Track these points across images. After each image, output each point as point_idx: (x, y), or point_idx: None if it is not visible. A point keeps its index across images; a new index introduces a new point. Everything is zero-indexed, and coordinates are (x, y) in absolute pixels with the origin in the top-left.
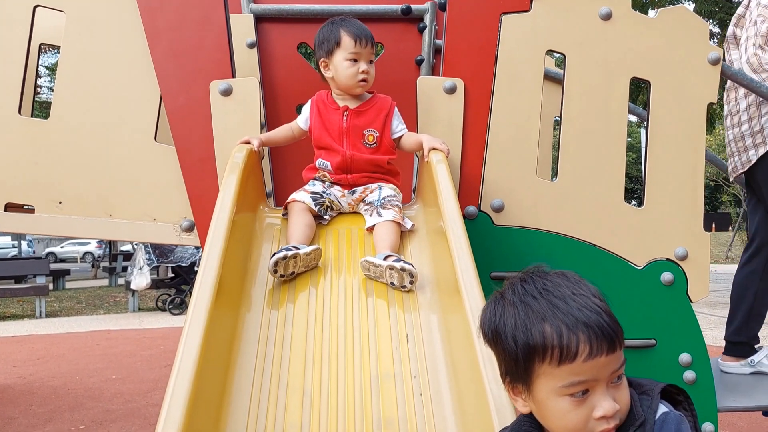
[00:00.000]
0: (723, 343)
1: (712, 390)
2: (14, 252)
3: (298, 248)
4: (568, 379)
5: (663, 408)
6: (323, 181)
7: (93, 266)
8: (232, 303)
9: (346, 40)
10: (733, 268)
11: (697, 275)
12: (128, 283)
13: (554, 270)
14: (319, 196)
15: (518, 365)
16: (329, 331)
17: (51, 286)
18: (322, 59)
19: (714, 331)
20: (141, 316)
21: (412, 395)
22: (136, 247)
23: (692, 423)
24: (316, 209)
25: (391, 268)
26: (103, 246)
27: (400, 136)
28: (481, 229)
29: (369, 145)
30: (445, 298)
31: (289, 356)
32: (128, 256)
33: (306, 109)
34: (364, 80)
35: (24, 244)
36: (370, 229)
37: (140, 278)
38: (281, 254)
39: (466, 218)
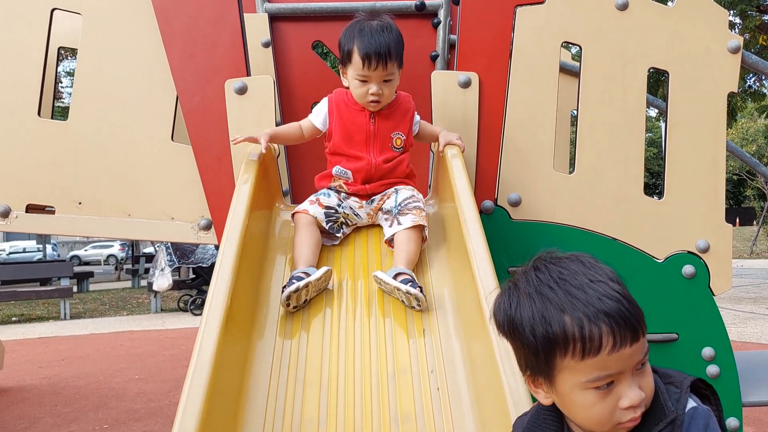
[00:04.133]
0: (748, 339)
1: (736, 384)
2: (39, 255)
3: (308, 273)
4: (594, 374)
5: (691, 402)
6: (339, 192)
7: (116, 269)
8: (248, 300)
9: (356, 60)
10: (759, 263)
11: (719, 268)
12: (150, 285)
13: (567, 254)
14: (333, 211)
15: (539, 359)
16: (346, 327)
17: (75, 289)
18: (339, 65)
19: (739, 327)
20: (163, 316)
21: (429, 390)
22: (157, 248)
23: (718, 418)
24: (327, 226)
25: (398, 289)
26: (126, 248)
27: (417, 129)
28: (498, 223)
29: (397, 149)
30: (461, 292)
31: (306, 351)
32: (151, 257)
33: (323, 108)
34: (374, 101)
35: (49, 247)
36: (389, 241)
37: (162, 279)
38: (293, 287)
39: (483, 213)
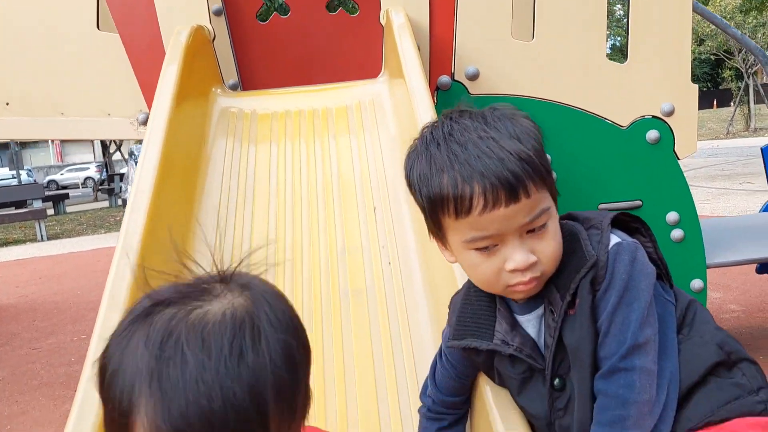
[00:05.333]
0: (721, 213)
1: (700, 247)
2: (14, 182)
3: None
4: (470, 234)
5: (615, 239)
6: None
7: (94, 190)
8: (182, 184)
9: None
10: (734, 142)
11: (684, 131)
12: (125, 201)
13: (482, 108)
14: None
15: (429, 219)
16: (293, 207)
17: (52, 211)
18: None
19: (712, 203)
20: None
21: (381, 265)
22: (128, 164)
23: (651, 248)
24: None
25: None
26: (102, 169)
27: None
28: (456, 99)
29: None
30: None
31: (250, 233)
32: None
33: None
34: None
35: (24, 173)
36: None
37: None
38: None
39: (440, 89)
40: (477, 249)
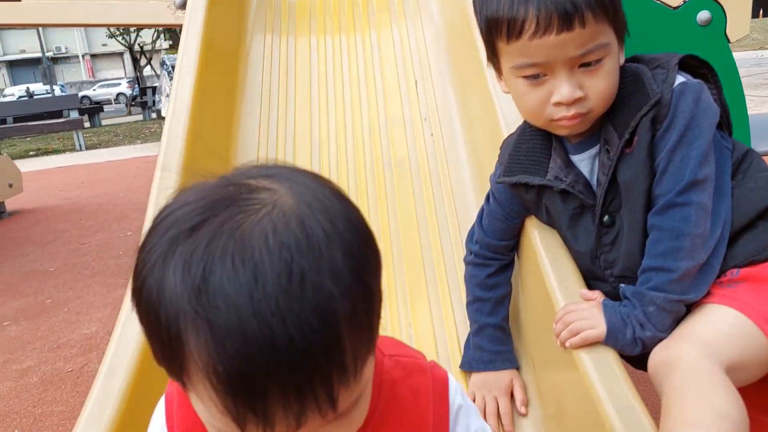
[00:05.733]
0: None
1: (746, 134)
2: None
3: None
4: (518, 60)
5: (680, 78)
6: None
7: (127, 105)
8: (225, 64)
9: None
10: None
11: (737, 11)
12: (159, 112)
13: None
14: None
15: (486, 42)
16: (334, 83)
17: (87, 124)
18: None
19: (755, 111)
20: None
21: (423, 136)
22: (160, 75)
23: (716, 96)
24: None
25: None
26: (134, 84)
27: None
28: None
29: None
30: (454, 37)
31: (294, 108)
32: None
33: None
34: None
35: (57, 89)
36: None
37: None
38: None
39: None
40: (525, 77)
